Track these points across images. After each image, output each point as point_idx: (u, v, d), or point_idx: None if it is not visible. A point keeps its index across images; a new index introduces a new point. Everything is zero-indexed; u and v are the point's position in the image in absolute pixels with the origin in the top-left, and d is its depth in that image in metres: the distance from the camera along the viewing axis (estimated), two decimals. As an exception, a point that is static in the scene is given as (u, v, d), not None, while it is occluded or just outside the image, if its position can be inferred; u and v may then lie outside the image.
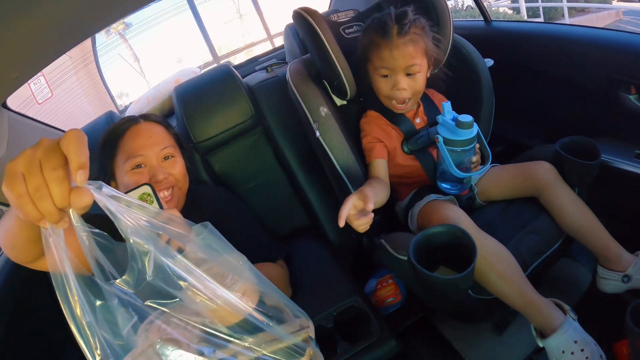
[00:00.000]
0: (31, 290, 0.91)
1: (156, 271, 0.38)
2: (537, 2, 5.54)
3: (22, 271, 0.90)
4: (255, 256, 0.85)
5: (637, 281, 0.79)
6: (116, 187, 0.84)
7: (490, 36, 1.28)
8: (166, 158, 0.84)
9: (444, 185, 0.90)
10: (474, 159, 0.86)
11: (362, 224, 0.69)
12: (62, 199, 0.34)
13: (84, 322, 0.36)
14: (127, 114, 1.43)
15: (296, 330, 0.45)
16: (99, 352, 0.36)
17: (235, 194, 1.09)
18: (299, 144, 1.14)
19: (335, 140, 0.88)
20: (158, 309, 0.39)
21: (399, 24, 0.85)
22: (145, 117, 0.90)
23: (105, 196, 0.36)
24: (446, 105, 0.84)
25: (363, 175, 0.92)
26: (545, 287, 0.81)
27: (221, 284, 0.40)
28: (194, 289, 0.39)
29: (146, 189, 0.61)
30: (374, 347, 0.76)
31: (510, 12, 6.06)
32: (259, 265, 0.84)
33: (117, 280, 0.38)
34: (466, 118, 0.80)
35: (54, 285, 0.36)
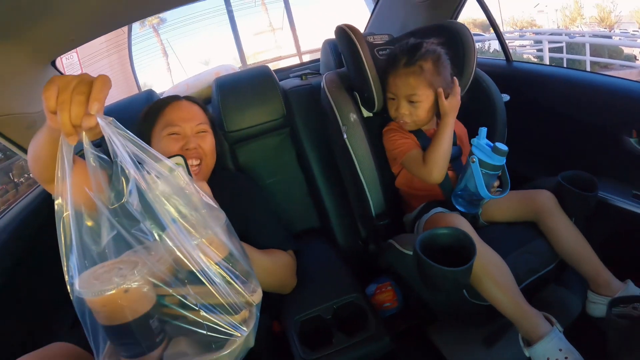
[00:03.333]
0: (36, 246, 0.98)
1: (133, 197, 0.44)
2: (561, 53, 5.69)
3: (30, 227, 0.99)
4: (269, 242, 0.91)
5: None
6: None
7: (509, 74, 1.36)
8: (199, 132, 0.92)
9: (460, 201, 0.96)
10: (495, 184, 0.94)
11: None
12: (76, 117, 0.44)
13: (70, 226, 0.43)
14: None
15: (245, 293, 0.48)
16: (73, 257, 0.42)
17: None
18: (322, 150, 1.21)
19: (360, 145, 0.96)
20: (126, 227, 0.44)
21: (407, 56, 0.95)
22: (187, 98, 0.99)
23: (110, 128, 0.44)
24: (482, 131, 0.91)
25: (380, 183, 0.99)
26: (536, 308, 0.84)
27: (191, 227, 0.45)
28: (166, 222, 0.44)
29: (178, 159, 0.62)
30: (368, 341, 0.77)
31: (534, 60, 6.19)
32: (271, 251, 0.88)
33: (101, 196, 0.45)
34: (503, 147, 0.88)
35: (55, 186, 0.44)
